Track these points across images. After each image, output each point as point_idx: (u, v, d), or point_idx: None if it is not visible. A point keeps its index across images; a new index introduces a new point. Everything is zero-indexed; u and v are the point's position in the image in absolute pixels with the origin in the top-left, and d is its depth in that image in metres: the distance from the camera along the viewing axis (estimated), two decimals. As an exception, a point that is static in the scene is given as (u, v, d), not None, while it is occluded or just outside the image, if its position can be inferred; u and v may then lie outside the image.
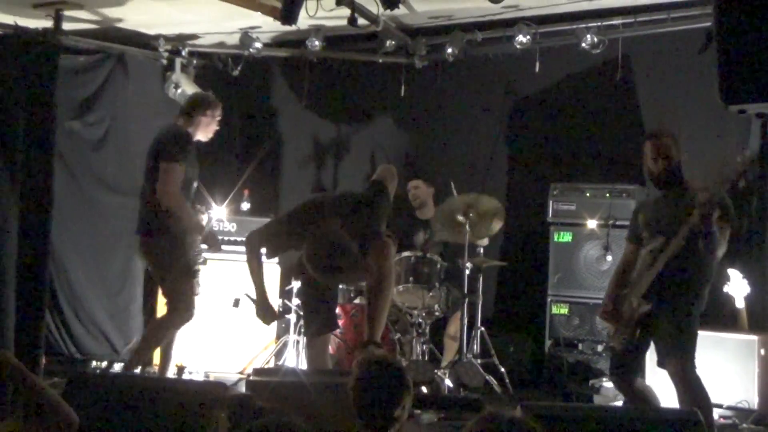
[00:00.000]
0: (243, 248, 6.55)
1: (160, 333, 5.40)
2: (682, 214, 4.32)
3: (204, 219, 5.53)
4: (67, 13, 6.13)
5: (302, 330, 6.30)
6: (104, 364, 6.69)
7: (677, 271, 4.34)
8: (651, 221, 4.56)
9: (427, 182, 6.90)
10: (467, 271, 6.09)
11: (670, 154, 4.49)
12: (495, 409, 2.43)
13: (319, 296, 5.05)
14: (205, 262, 5.92)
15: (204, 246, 5.44)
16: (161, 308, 6.46)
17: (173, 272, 5.24)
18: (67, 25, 6.26)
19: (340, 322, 6.00)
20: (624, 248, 4.79)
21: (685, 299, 4.37)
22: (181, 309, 5.28)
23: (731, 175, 4.19)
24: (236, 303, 5.99)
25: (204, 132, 5.46)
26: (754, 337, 5.44)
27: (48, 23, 6.21)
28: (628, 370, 4.51)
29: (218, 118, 5.51)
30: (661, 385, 5.58)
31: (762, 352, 5.41)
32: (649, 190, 6.33)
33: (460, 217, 5.99)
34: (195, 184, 5.47)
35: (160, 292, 5.74)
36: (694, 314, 4.38)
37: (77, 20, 6.39)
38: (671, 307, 4.35)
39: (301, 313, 6.35)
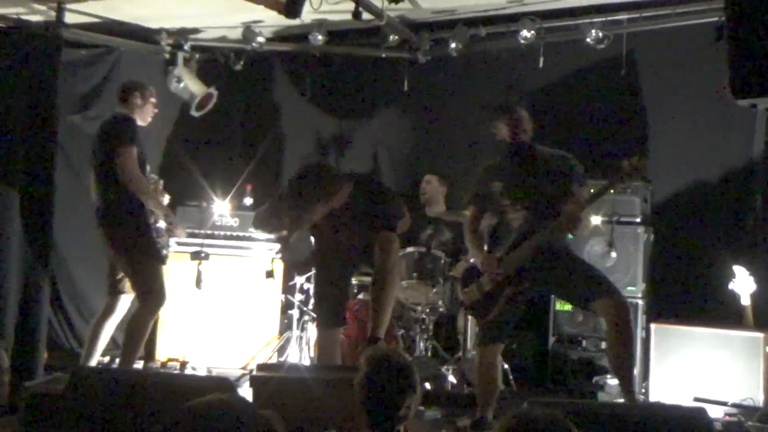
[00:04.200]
0: (245, 243, 6.58)
1: (142, 328, 5.40)
2: None
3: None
4: (69, 6, 6.09)
5: (304, 326, 6.32)
6: (106, 359, 6.66)
7: None
8: None
9: (441, 179, 6.86)
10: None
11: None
12: (530, 407, 2.37)
13: (328, 287, 5.05)
14: (207, 257, 5.90)
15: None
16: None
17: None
18: (69, 19, 6.22)
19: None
20: None
21: None
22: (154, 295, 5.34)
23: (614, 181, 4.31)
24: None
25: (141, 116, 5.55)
26: (760, 335, 5.40)
27: (50, 16, 6.18)
28: None
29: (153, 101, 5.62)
30: (664, 379, 5.58)
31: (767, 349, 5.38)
32: (653, 187, 6.31)
33: None
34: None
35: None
36: None
37: (79, 13, 6.35)
38: None
39: (305, 308, 6.37)
